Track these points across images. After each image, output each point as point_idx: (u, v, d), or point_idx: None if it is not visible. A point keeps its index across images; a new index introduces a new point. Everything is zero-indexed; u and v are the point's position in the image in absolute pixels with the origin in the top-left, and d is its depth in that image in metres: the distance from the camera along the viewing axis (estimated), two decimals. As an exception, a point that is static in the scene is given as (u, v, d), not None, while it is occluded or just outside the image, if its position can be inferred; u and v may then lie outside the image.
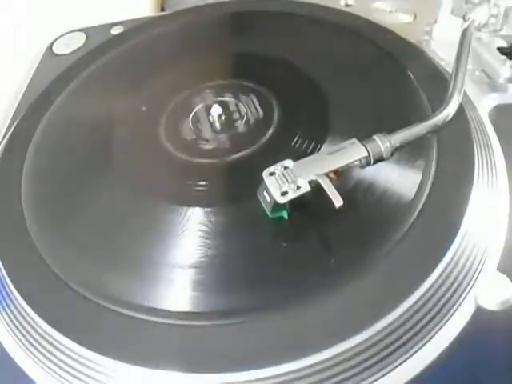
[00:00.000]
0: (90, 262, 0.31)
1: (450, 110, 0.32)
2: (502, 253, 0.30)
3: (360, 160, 0.30)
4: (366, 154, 0.30)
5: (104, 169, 0.36)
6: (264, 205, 0.30)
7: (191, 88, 0.40)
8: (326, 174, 0.29)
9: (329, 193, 0.28)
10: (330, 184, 0.28)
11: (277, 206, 0.29)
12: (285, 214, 0.30)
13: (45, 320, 0.28)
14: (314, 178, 0.29)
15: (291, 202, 0.29)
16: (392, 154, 0.30)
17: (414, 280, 0.27)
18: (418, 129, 0.31)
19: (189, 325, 0.27)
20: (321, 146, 0.33)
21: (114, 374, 0.26)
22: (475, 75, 0.39)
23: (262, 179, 0.29)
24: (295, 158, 0.30)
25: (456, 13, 0.40)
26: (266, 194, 0.29)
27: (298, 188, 0.29)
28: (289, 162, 0.30)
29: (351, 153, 0.30)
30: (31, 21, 0.52)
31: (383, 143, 0.30)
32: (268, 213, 0.30)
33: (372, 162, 0.30)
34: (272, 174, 0.29)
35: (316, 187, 0.29)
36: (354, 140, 0.30)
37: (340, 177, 0.30)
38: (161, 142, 0.36)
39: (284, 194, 0.29)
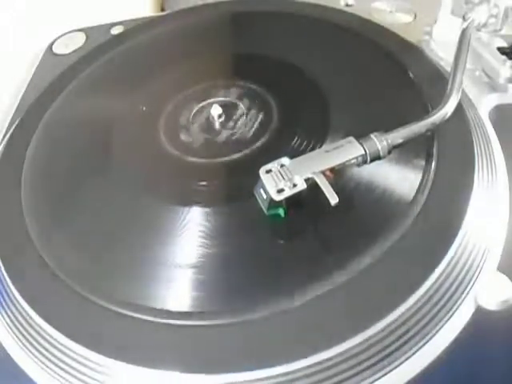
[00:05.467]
0: (90, 262, 0.31)
1: (447, 109, 0.32)
2: (501, 253, 0.30)
3: (357, 158, 0.30)
4: (363, 152, 0.30)
5: (104, 169, 0.36)
6: (260, 202, 0.30)
7: (191, 88, 0.40)
8: (322, 172, 0.29)
9: (324, 190, 0.28)
10: (326, 182, 0.28)
11: (273, 204, 0.29)
12: (281, 212, 0.30)
13: (45, 320, 0.28)
14: (310, 175, 0.29)
15: (288, 199, 0.29)
16: (389, 153, 0.30)
17: (414, 280, 0.27)
18: (416, 127, 0.31)
19: (189, 325, 0.27)
20: (321, 146, 0.33)
21: (114, 374, 0.26)
22: (475, 75, 0.39)
23: (259, 177, 0.29)
24: (294, 157, 0.30)
25: (456, 13, 0.40)
26: (262, 191, 0.29)
27: (295, 186, 0.29)
28: (285, 160, 0.30)
29: (348, 151, 0.30)
30: (31, 21, 0.52)
31: (380, 141, 0.30)
32: (264, 210, 0.30)
33: (369, 160, 0.30)
34: (269, 171, 0.29)
35: (313, 185, 0.29)
36: (351, 138, 0.30)
37: (336, 175, 0.30)
38: (160, 141, 0.36)
39: (280, 191, 0.29)
